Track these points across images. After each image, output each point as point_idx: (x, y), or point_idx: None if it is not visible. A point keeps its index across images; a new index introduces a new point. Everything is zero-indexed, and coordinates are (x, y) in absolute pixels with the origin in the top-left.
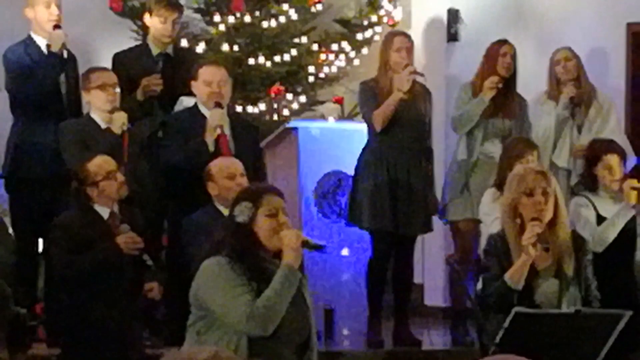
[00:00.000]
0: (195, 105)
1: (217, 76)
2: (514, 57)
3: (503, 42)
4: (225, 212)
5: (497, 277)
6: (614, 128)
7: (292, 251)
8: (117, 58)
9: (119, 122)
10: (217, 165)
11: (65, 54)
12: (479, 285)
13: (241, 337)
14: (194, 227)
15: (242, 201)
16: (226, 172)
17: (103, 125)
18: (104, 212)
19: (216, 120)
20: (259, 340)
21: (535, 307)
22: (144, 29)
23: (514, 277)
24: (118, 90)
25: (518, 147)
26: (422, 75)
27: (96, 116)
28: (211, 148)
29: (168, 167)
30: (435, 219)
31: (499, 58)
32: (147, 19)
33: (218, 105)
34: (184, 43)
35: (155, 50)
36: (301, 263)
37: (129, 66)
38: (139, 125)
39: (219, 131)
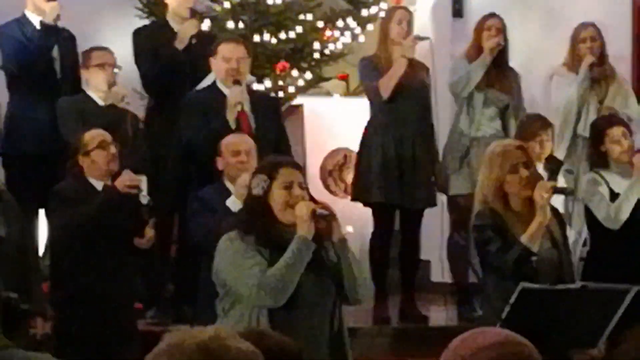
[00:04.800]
0: (214, 83)
1: (236, 53)
2: (502, 31)
3: (490, 15)
4: (232, 188)
5: (504, 248)
6: (636, 110)
7: (303, 223)
8: (138, 33)
9: (119, 95)
10: (225, 141)
11: (58, 25)
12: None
13: (261, 313)
14: (198, 202)
15: (258, 174)
16: (232, 148)
17: (101, 103)
18: (98, 184)
19: (236, 98)
20: (280, 312)
21: (538, 276)
22: (154, 7)
23: (532, 239)
24: (117, 70)
25: (534, 125)
26: (427, 38)
27: (93, 94)
28: (232, 126)
29: (190, 145)
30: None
31: (484, 32)
32: None
33: (237, 82)
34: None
35: (176, 27)
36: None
37: (151, 41)
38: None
39: (239, 108)
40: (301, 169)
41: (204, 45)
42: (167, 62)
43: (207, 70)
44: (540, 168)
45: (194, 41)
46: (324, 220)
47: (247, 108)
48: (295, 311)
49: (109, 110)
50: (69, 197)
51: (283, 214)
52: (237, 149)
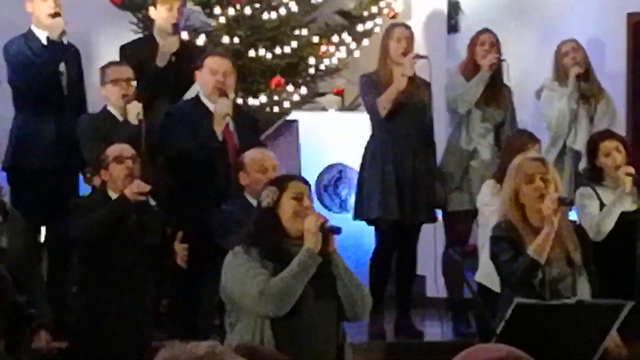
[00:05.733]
0: (197, 97)
1: (223, 66)
2: (496, 46)
3: (483, 31)
4: (255, 203)
5: (514, 258)
6: (621, 128)
7: (312, 235)
8: (124, 50)
9: (134, 112)
10: (250, 157)
11: (65, 41)
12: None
13: (264, 325)
14: (225, 218)
15: (267, 187)
16: (259, 165)
17: (120, 118)
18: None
19: (224, 110)
20: (283, 325)
21: (548, 294)
22: (149, 22)
23: (539, 249)
24: (133, 83)
25: (521, 139)
26: (425, 57)
27: (112, 109)
28: (220, 138)
29: (175, 158)
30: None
31: (477, 47)
32: (152, 11)
33: (224, 95)
34: (184, 36)
35: (161, 43)
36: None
37: (136, 57)
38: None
39: (227, 120)
40: (309, 185)
41: (192, 58)
42: (147, 79)
43: (192, 83)
44: None
45: (173, 59)
46: (333, 233)
47: (230, 124)
48: (299, 324)
49: (128, 124)
50: (85, 208)
51: (292, 224)
52: (265, 166)
